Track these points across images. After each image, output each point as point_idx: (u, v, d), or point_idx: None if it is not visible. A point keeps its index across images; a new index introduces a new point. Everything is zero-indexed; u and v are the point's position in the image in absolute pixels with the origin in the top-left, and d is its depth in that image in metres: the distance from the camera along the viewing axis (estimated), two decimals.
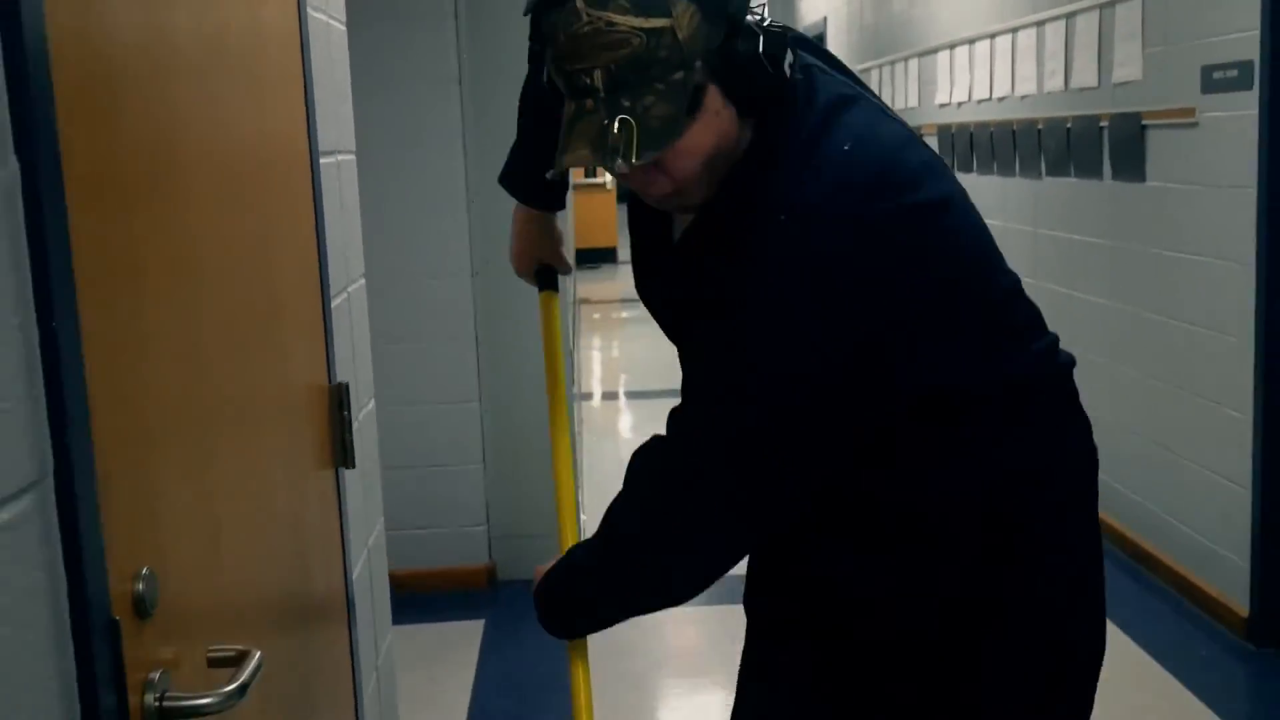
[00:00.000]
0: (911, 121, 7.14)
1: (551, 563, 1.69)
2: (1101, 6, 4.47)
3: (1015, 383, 1.50)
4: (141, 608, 1.03)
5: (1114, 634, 3.86)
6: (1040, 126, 5.08)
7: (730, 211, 1.44)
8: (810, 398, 1.38)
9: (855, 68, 8.47)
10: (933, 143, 6.67)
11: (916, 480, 1.47)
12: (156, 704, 1.04)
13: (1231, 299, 3.68)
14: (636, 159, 1.33)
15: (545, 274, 2.04)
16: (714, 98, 1.38)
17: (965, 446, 1.47)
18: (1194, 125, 3.85)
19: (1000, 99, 5.60)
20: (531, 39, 1.71)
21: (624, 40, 1.31)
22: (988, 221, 1.54)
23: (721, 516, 1.45)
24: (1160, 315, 4.16)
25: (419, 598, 4.15)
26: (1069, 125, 4.77)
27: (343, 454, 1.81)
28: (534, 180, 1.83)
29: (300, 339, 1.67)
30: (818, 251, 1.35)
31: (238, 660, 1.14)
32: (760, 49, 1.37)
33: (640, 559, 1.54)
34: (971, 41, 5.97)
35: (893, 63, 7.52)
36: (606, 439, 6.56)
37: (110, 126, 1.07)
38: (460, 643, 3.99)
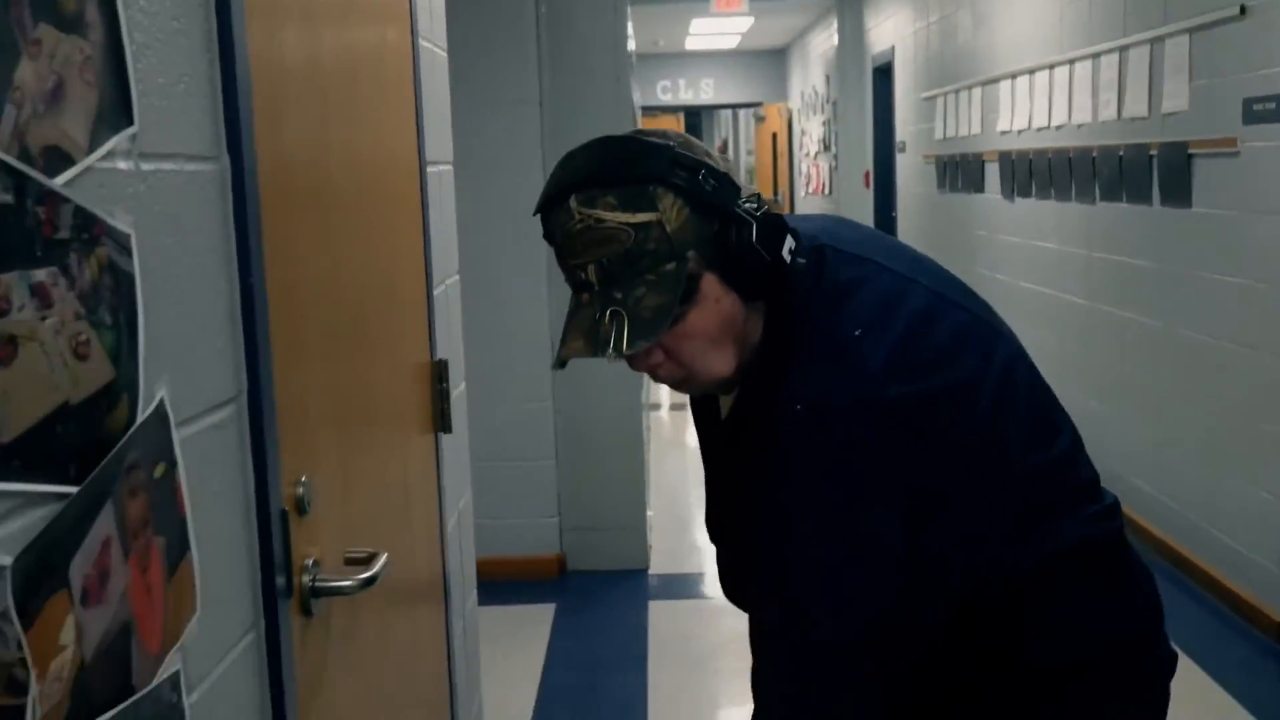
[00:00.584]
0: (974, 149, 7.36)
1: None
2: (1152, 41, 4.68)
3: (1065, 551, 1.51)
4: (301, 506, 1.32)
5: None
6: (1094, 154, 5.28)
7: (754, 404, 1.48)
8: (876, 583, 1.40)
9: (921, 95, 8.72)
10: (994, 169, 6.88)
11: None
12: (310, 584, 1.33)
13: (1270, 320, 3.87)
14: (627, 349, 1.36)
15: None
16: (712, 285, 1.40)
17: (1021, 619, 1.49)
18: (1235, 154, 4.05)
19: (1058, 127, 5.81)
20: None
21: (613, 236, 1.35)
22: (1044, 245, 1.72)
23: (853, 704, 1.46)
24: (1202, 335, 4.35)
25: (495, 584, 4.44)
26: (1121, 153, 4.98)
27: (441, 420, 2.10)
28: None
29: (410, 318, 1.97)
30: (841, 441, 1.37)
31: (368, 560, 1.43)
32: (754, 237, 1.39)
33: None
34: (1031, 72, 6.19)
35: (956, 91, 7.74)
36: (673, 448, 6.84)
37: (282, 133, 1.36)
38: (533, 625, 4.28)
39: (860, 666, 1.42)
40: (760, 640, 1.54)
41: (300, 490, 1.32)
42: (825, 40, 13.10)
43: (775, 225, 1.41)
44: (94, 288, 0.88)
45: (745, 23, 13.68)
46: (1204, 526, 4.41)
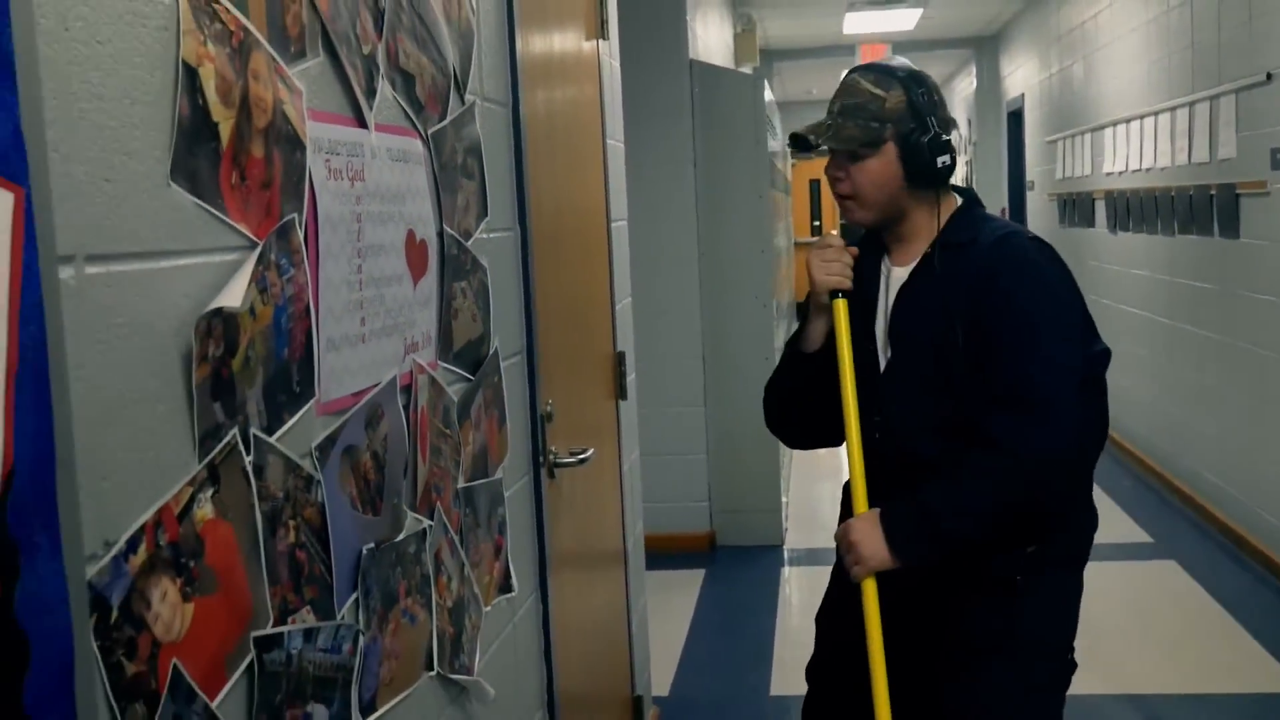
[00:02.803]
0: (1083, 188, 8.19)
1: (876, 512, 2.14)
2: (1210, 98, 5.52)
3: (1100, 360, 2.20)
4: (549, 418, 2.39)
5: (1195, 588, 4.90)
6: (1173, 193, 6.11)
7: (967, 237, 2.10)
8: (1083, 324, 2.14)
9: (1045, 139, 9.54)
10: (1102, 206, 7.70)
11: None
12: (554, 459, 2.40)
13: None
14: (821, 142, 2.11)
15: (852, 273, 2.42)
16: (890, 151, 2.09)
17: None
18: (1266, 194, 4.88)
19: (1147, 169, 6.63)
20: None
21: (859, 91, 2.11)
22: (1138, 273, 2.58)
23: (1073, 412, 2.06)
24: (1251, 345, 5.17)
25: (659, 554, 5.47)
26: (1191, 193, 5.81)
27: (621, 391, 3.17)
28: None
29: (602, 321, 3.05)
30: (1044, 252, 2.12)
31: (582, 453, 2.50)
32: (926, 144, 2.08)
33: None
34: (1128, 121, 7.01)
35: (1072, 136, 8.56)
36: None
37: (540, 200, 2.43)
38: (688, 585, 5.32)
39: (1080, 349, 2.10)
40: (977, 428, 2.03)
41: (549, 408, 2.39)
42: (966, 86, 13.92)
43: (944, 149, 2.09)
44: (478, 290, 1.96)
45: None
46: (1247, 502, 5.23)
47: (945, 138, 2.11)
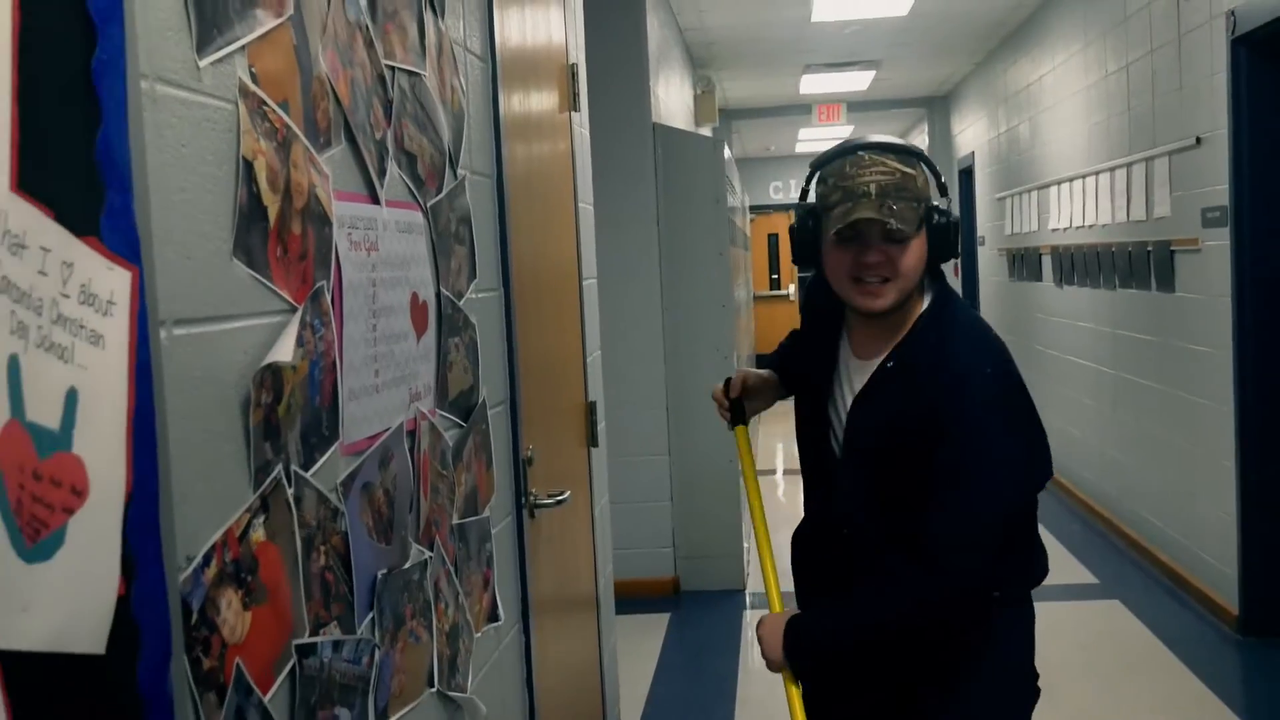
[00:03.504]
0: (1031, 244, 8.51)
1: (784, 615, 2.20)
2: (1146, 160, 5.83)
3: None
4: (530, 462, 2.59)
5: (1139, 627, 5.13)
6: (1113, 249, 6.41)
7: (923, 360, 2.02)
8: (1018, 481, 2.04)
9: (995, 195, 9.87)
10: (1048, 261, 8.01)
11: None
12: (534, 501, 2.60)
13: (1224, 379, 4.96)
14: (898, 224, 1.95)
15: (738, 411, 2.49)
16: (923, 234, 2.01)
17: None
18: (1198, 250, 5.18)
19: (1089, 226, 6.94)
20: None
21: (892, 172, 2.00)
22: (1083, 324, 2.77)
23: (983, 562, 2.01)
24: (1185, 392, 5.44)
25: (623, 600, 5.65)
26: (1130, 249, 6.11)
27: (593, 439, 3.37)
28: (789, 373, 2.49)
29: (575, 374, 3.26)
30: (999, 394, 1.99)
31: (559, 494, 2.70)
32: (951, 223, 2.05)
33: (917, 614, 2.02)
34: (1070, 180, 7.34)
35: (1020, 193, 8.89)
36: (765, 494, 8.01)
37: (522, 262, 2.64)
38: (653, 628, 5.50)
39: (1008, 513, 2.03)
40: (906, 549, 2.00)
41: (529, 453, 2.59)
42: (919, 143, 14.33)
43: (958, 226, 2.07)
44: (469, 344, 2.16)
45: (846, 130, 14.97)
46: (1185, 542, 5.49)
47: (956, 217, 2.10)
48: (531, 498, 2.58)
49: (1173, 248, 5.49)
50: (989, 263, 10.52)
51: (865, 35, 9.06)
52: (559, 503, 2.66)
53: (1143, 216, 5.93)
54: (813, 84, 11.25)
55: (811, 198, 2.14)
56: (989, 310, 10.42)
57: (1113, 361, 6.59)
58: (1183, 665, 4.73)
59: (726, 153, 6.34)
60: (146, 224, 1.06)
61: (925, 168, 2.07)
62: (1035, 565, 2.23)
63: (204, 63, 1.21)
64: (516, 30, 2.72)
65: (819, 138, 15.75)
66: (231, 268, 1.25)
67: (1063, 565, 6.06)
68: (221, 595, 1.18)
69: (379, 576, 1.63)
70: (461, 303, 2.12)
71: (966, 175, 11.60)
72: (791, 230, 2.16)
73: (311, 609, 1.40)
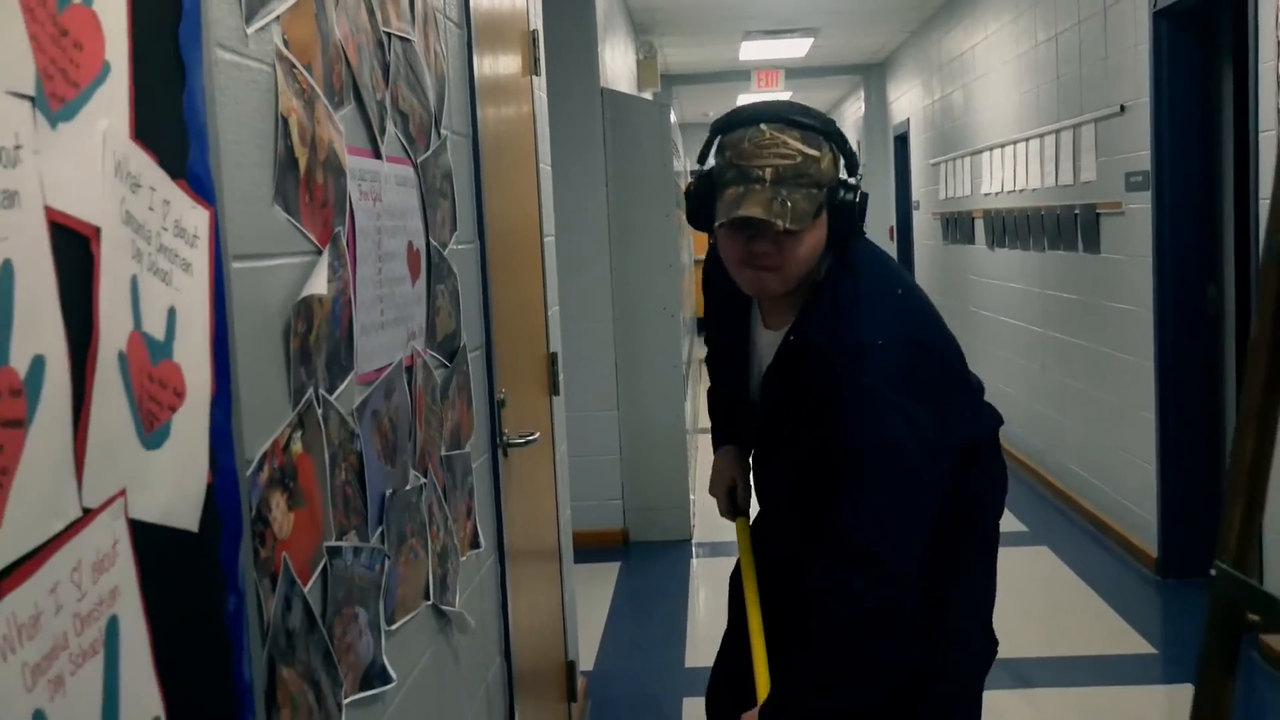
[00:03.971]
0: (964, 208, 8.79)
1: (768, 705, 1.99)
2: (1074, 127, 6.10)
3: (982, 435, 2.16)
4: (503, 404, 2.77)
5: (1065, 571, 5.42)
6: (1042, 212, 6.69)
7: (822, 334, 1.96)
8: (931, 448, 1.90)
9: (929, 161, 10.14)
10: (980, 224, 8.29)
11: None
12: (506, 440, 2.77)
13: (1145, 335, 5.25)
14: (792, 224, 1.85)
15: (732, 501, 2.52)
16: (822, 218, 1.92)
17: (962, 479, 2.07)
18: (1121, 214, 5.45)
19: (1020, 190, 7.21)
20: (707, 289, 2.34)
21: (792, 154, 1.88)
22: (1014, 285, 3.09)
23: (911, 545, 1.90)
24: (1109, 349, 5.73)
25: (576, 550, 5.86)
26: (1059, 212, 6.38)
27: (554, 387, 3.56)
28: (728, 430, 2.54)
29: (539, 325, 3.44)
30: (898, 363, 1.90)
31: (529, 435, 2.88)
32: (856, 202, 1.95)
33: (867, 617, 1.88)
34: (1002, 146, 7.60)
35: (953, 159, 9.16)
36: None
37: (495, 217, 2.81)
38: (604, 576, 5.71)
39: (926, 484, 1.91)
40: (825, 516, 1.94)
41: (503, 395, 2.77)
42: (855, 110, 14.57)
43: (865, 202, 1.97)
44: (452, 291, 2.34)
45: (784, 96, 15.19)
46: (1102, 487, 5.81)
47: (864, 192, 2.02)
48: (505, 437, 2.76)
49: (1098, 211, 5.76)
50: (924, 227, 10.80)
51: (803, 3, 9.25)
52: (529, 443, 2.85)
53: (1070, 181, 6.20)
54: (752, 50, 11.44)
55: (711, 161, 2.06)
56: (924, 274, 10.71)
57: (1042, 321, 6.87)
58: (1106, 605, 5.02)
59: (672, 117, 6.51)
60: (218, 171, 1.23)
61: (833, 145, 1.97)
62: (990, 499, 2.24)
63: (250, 30, 1.37)
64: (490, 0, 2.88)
65: None
66: (272, 212, 1.42)
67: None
68: (272, 496, 1.36)
69: (386, 495, 1.81)
70: (446, 252, 2.29)
71: (902, 141, 11.86)
72: (687, 195, 2.08)
73: (336, 518, 1.58)
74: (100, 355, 0.95)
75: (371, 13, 1.87)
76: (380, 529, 1.78)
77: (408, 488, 1.93)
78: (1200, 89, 4.95)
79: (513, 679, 2.74)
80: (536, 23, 3.66)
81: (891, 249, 12.38)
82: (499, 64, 3.02)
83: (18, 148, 0.85)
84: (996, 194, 7.80)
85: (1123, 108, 5.38)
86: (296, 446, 1.45)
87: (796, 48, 11.41)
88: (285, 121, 1.46)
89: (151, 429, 1.04)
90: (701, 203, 2.06)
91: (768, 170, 1.89)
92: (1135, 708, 4.05)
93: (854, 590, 1.88)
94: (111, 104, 0.99)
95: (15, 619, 0.83)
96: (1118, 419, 5.67)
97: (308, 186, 1.53)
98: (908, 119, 11.44)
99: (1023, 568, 5.59)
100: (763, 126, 1.93)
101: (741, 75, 12.91)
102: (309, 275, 1.51)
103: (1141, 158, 5.19)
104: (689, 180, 2.50)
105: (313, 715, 1.45)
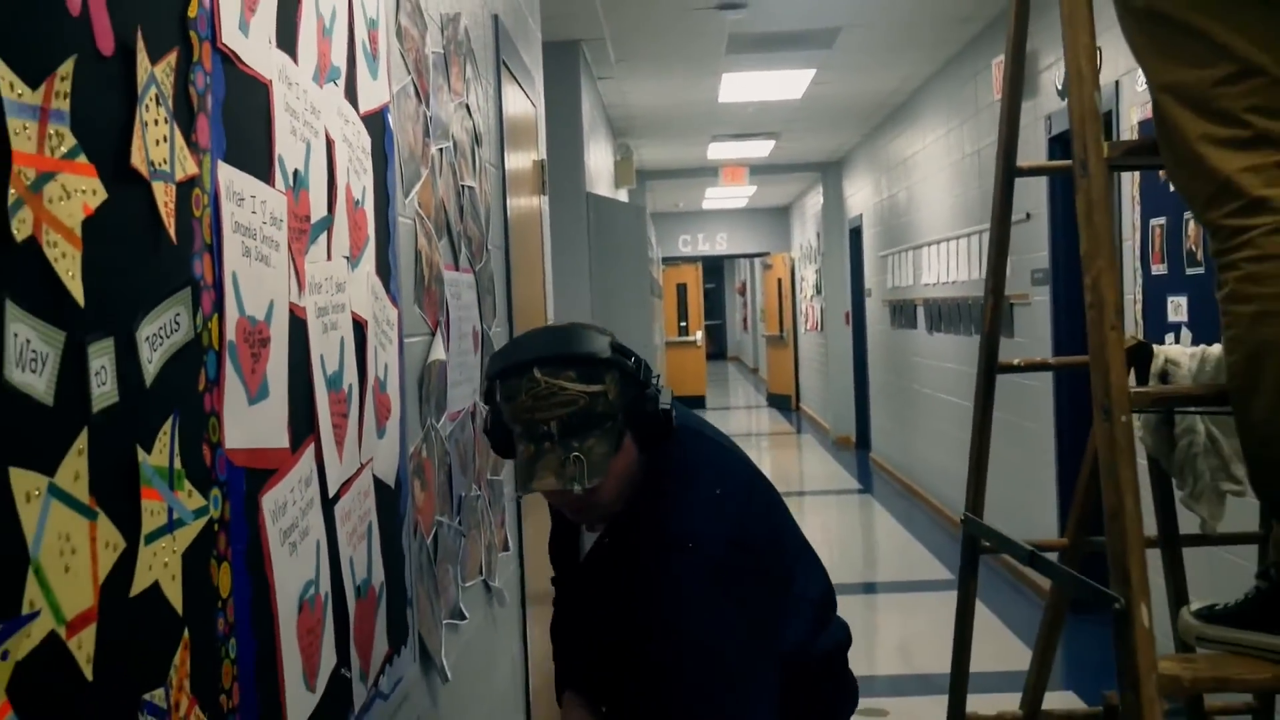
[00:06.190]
0: (908, 296, 9.80)
1: None
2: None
3: (831, 648, 1.98)
4: None
5: (988, 615, 6.31)
6: (969, 301, 7.68)
7: (640, 536, 1.87)
8: (750, 652, 1.78)
9: (879, 253, 11.17)
10: (921, 311, 9.29)
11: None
12: None
13: (1046, 407, 6.20)
14: (589, 483, 1.73)
15: None
16: (628, 439, 1.83)
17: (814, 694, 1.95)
18: (1028, 304, 6.44)
19: (952, 282, 8.21)
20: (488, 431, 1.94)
21: (574, 400, 1.74)
22: (948, 366, 3.81)
23: None
24: (1023, 420, 6.69)
25: None
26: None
27: None
28: (574, 668, 2.18)
29: None
30: (712, 560, 1.78)
31: None
32: (659, 407, 1.83)
33: None
34: (938, 242, 8.62)
35: (899, 252, 10.19)
36: None
37: (515, 304, 3.72)
38: None
39: (755, 696, 1.79)
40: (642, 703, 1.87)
41: None
42: (815, 203, 15.66)
43: (668, 400, 1.85)
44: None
45: (749, 190, 16.30)
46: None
47: (659, 386, 1.88)
48: None
49: (1011, 302, 6.75)
50: (875, 312, 11.82)
51: (765, 113, 10.32)
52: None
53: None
54: (719, 150, 12.52)
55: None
56: (875, 356, 11.71)
57: (970, 396, 7.81)
58: (1014, 636, 5.90)
59: (649, 208, 7.49)
60: (399, 286, 2.16)
61: (617, 367, 1.82)
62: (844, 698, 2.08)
63: (405, 200, 2.30)
64: (515, 145, 3.83)
65: (725, 195, 17.08)
66: (413, 308, 2.34)
67: (927, 566, 7.25)
68: (415, 480, 2.26)
69: (462, 496, 2.70)
70: (490, 332, 3.21)
71: (856, 234, 12.92)
72: (486, 431, 1.97)
73: (440, 503, 2.48)
74: (368, 385, 1.86)
75: (455, 173, 2.81)
76: (459, 517, 2.67)
77: (472, 494, 2.83)
78: None
79: (528, 656, 3.61)
80: (544, 153, 4.62)
81: (847, 333, 13.39)
82: (521, 191, 3.96)
83: (342, 283, 1.77)
84: (934, 284, 8.80)
85: (1028, 215, 6.39)
86: (423, 453, 2.35)
87: (760, 148, 12.49)
88: (419, 254, 2.39)
89: (379, 428, 1.95)
90: (502, 438, 1.92)
91: (553, 424, 1.77)
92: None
93: None
94: (370, 257, 1.92)
95: (344, 509, 1.73)
96: (1025, 478, 6.61)
97: (427, 292, 2.45)
98: (861, 214, 12.51)
99: (951, 610, 6.47)
100: (536, 374, 1.79)
101: (710, 172, 13.99)
102: (431, 347, 2.43)
103: (1042, 257, 6.19)
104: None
105: (426, 620, 2.33)
